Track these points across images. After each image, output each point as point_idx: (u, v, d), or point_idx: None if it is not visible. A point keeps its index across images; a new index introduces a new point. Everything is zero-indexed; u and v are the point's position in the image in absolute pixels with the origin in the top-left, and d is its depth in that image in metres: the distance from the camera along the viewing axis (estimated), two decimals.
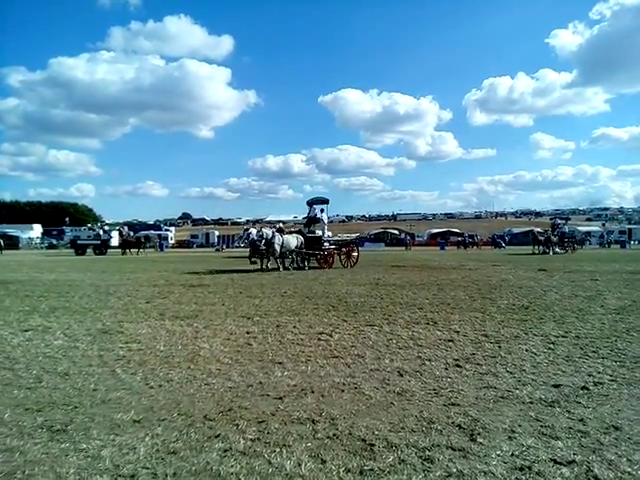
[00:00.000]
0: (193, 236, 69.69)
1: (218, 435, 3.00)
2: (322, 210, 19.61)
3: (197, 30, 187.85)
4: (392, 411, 3.39)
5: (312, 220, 19.60)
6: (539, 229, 37.50)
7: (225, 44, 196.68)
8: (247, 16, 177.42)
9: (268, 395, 3.73)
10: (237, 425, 3.16)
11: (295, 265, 18.09)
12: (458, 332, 6.09)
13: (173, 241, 66.55)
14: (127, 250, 38.04)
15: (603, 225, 70.11)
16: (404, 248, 50.18)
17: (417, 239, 61.50)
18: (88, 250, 38.05)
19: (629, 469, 2.53)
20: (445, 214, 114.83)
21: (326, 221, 19.92)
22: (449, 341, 5.59)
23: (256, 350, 5.21)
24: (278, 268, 16.86)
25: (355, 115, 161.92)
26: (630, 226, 66.57)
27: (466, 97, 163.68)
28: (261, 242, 16.37)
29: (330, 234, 21.43)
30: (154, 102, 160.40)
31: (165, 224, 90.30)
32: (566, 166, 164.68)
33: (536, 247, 32.00)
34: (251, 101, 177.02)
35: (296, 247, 17.54)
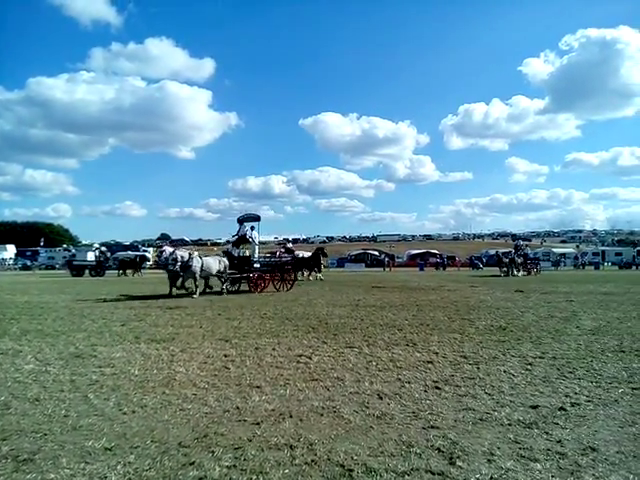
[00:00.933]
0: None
1: (193, 462, 2.91)
2: (252, 228, 18.24)
3: (179, 53, 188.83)
4: (371, 435, 3.35)
5: (241, 239, 18.42)
6: (504, 250, 37.14)
7: (206, 67, 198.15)
8: (228, 40, 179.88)
9: (245, 420, 3.65)
10: (213, 452, 3.07)
11: (223, 288, 16.36)
12: (437, 353, 6.10)
13: (151, 262, 65.42)
14: (123, 271, 36.94)
15: (577, 247, 71.84)
16: (384, 269, 50.43)
17: (397, 260, 61.87)
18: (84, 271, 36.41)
19: None
20: (424, 235, 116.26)
21: (257, 240, 18.52)
22: (428, 362, 5.59)
23: (234, 374, 5.11)
24: (194, 292, 15.06)
25: (335, 138, 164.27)
26: (603, 248, 68.27)
27: (443, 122, 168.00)
28: (175, 264, 14.86)
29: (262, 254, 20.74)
30: (134, 123, 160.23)
31: (143, 245, 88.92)
32: (540, 189, 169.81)
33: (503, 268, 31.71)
34: (232, 123, 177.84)
35: (218, 271, 16.08)
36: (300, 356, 5.96)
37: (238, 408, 3.95)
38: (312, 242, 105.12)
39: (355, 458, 2.95)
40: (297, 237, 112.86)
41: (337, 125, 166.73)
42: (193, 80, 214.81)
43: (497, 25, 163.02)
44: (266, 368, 5.35)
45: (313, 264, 26.94)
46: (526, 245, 33.97)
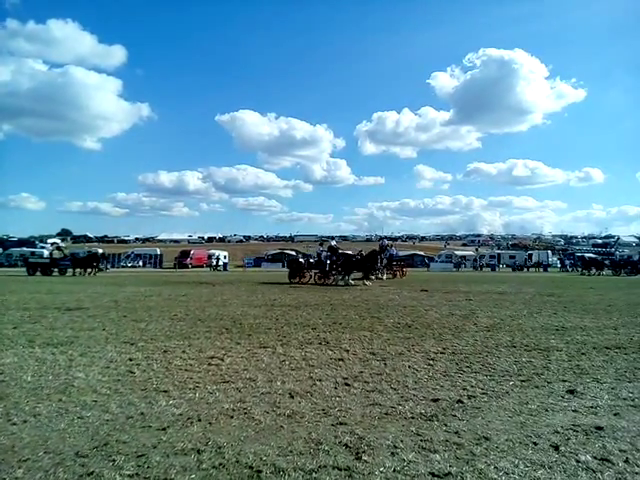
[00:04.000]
0: (73, 254, 63.70)
1: (91, 473, 2.73)
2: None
3: (86, 37, 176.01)
4: (281, 435, 3.36)
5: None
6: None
7: (117, 54, 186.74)
8: (142, 28, 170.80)
9: (150, 426, 3.49)
10: (113, 461, 2.90)
11: None
12: (348, 351, 6.27)
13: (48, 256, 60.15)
14: (81, 270, 31.59)
15: (476, 250, 77.47)
16: None
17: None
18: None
19: (495, 476, 2.77)
20: (340, 236, 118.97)
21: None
22: (339, 360, 5.73)
23: (139, 378, 4.86)
24: None
25: (253, 136, 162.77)
26: (499, 251, 74.57)
27: (358, 127, 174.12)
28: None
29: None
30: (33, 109, 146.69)
31: (40, 240, 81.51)
32: (444, 196, 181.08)
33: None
34: (144, 114, 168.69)
35: None
36: (212, 358, 5.82)
37: (143, 414, 3.76)
38: (229, 241, 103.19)
39: (264, 459, 2.94)
40: (213, 235, 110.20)
41: (255, 123, 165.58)
42: (101, 67, 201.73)
43: (409, 39, 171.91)
44: (174, 371, 5.15)
45: (370, 265, 21.93)
46: (391, 245, 29.77)
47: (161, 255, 62.25)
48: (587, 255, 46.18)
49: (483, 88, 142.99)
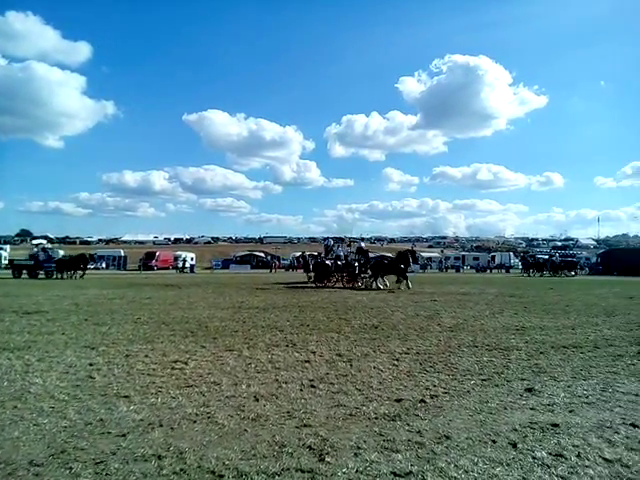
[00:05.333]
0: (32, 256, 61.29)
1: None
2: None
3: (49, 32, 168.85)
4: (244, 438, 3.34)
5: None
6: (315, 253, 30.54)
7: (82, 50, 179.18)
8: (108, 25, 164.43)
9: (109, 433, 3.40)
10: (70, 468, 2.82)
11: None
12: (315, 353, 6.29)
13: (6, 261, 57.51)
14: (63, 273, 29.15)
15: (442, 252, 79.01)
16: (269, 270, 50.58)
17: (282, 262, 62.44)
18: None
19: (455, 474, 2.83)
20: (309, 238, 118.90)
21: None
22: (306, 362, 5.74)
23: (99, 384, 4.73)
24: None
25: (222, 137, 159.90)
26: (464, 253, 76.33)
27: (327, 130, 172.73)
28: None
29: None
30: None
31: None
32: (412, 198, 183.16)
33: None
34: (109, 112, 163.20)
35: None
36: (175, 362, 5.72)
37: (102, 420, 3.67)
38: (196, 242, 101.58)
39: (227, 463, 2.92)
40: (180, 237, 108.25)
41: (224, 124, 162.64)
42: (65, 63, 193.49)
43: (379, 43, 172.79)
44: (136, 376, 5.04)
45: (404, 267, 19.85)
46: (338, 246, 27.11)
47: (125, 257, 60.57)
48: (528, 257, 47.55)
49: (449, 93, 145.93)
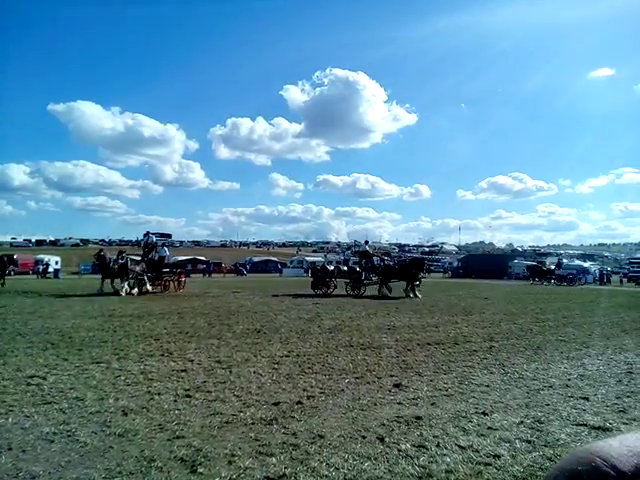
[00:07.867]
0: None
1: None
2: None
3: None
4: (109, 456, 3.10)
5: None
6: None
7: None
8: None
9: None
10: None
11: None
12: (192, 361, 6.07)
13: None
14: None
15: (325, 256, 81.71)
16: None
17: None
18: None
19: (327, 472, 2.93)
20: (192, 241, 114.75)
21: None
22: (182, 371, 5.52)
23: None
24: None
25: (94, 130, 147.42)
26: (345, 258, 79.73)
27: (212, 131, 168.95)
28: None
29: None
30: None
31: None
32: (297, 204, 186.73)
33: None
34: None
35: None
36: (32, 377, 5.13)
37: None
38: (62, 244, 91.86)
39: None
40: (43, 238, 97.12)
41: (96, 116, 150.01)
42: None
43: (265, 48, 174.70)
44: None
45: (415, 273, 18.26)
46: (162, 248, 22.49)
47: None
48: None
49: (330, 105, 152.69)
